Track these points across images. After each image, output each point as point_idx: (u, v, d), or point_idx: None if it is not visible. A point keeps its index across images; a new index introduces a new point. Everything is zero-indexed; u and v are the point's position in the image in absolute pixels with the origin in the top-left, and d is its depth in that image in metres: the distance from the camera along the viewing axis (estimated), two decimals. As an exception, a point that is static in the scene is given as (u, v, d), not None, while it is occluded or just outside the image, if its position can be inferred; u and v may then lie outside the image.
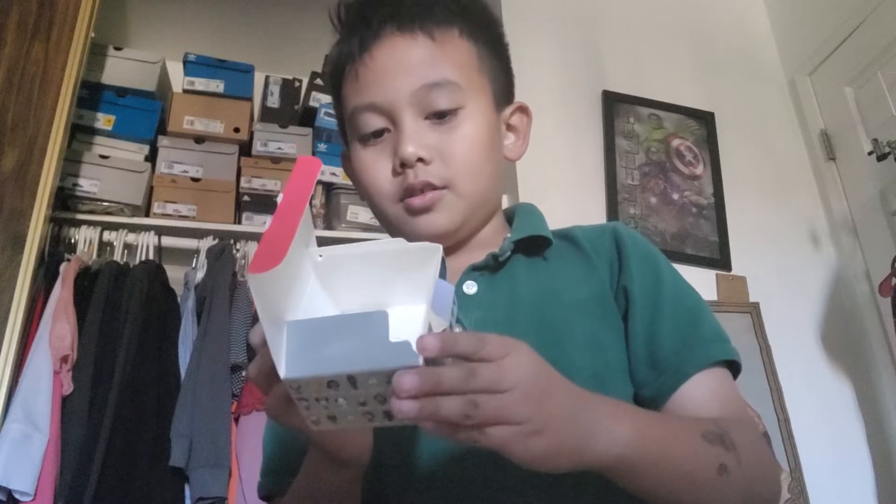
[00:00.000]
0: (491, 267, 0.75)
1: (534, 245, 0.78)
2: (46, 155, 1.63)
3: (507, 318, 0.72)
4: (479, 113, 0.76)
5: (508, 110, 0.82)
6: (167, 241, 2.04)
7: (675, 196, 2.22)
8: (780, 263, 2.20)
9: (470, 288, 0.73)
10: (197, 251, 2.01)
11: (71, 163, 1.99)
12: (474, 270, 0.75)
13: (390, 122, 0.74)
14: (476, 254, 0.77)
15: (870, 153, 2.10)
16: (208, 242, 2.01)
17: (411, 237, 0.70)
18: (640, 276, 0.74)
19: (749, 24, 2.63)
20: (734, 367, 0.72)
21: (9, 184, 1.59)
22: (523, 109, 0.85)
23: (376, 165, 0.75)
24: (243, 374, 1.79)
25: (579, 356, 0.69)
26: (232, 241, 2.04)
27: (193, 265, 1.99)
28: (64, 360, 1.62)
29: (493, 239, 0.80)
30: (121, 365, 1.66)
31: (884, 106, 2.13)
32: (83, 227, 1.96)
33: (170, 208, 2.10)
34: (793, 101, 2.49)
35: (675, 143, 2.31)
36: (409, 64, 0.74)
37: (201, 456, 1.61)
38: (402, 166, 0.72)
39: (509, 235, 0.78)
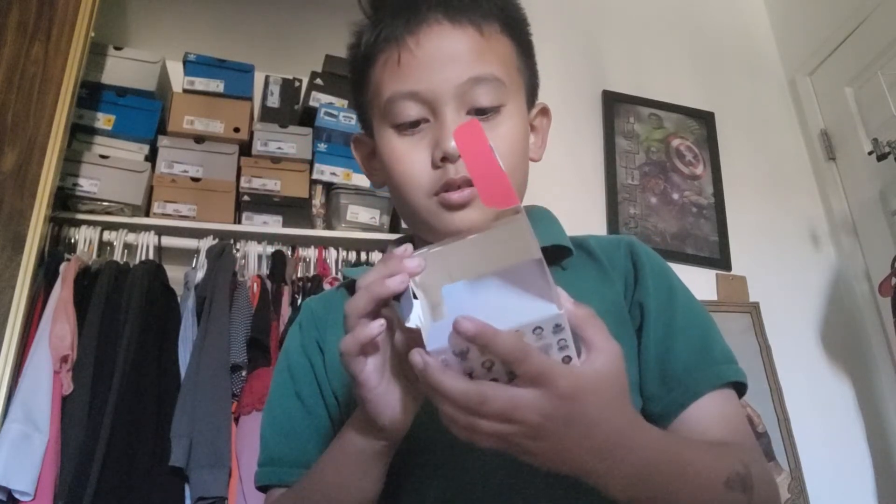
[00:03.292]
0: None
1: (553, 254, 0.76)
2: (46, 155, 1.63)
3: None
4: (518, 112, 0.75)
5: (533, 111, 0.82)
6: (167, 240, 2.04)
7: (676, 196, 2.22)
8: (780, 263, 2.20)
9: None
10: (197, 251, 2.01)
11: (71, 163, 1.98)
12: None
13: (430, 112, 0.71)
14: None
15: (870, 153, 2.10)
16: (208, 242, 2.01)
17: (441, 231, 0.70)
18: (656, 292, 0.75)
19: (749, 24, 2.63)
20: (739, 388, 0.73)
21: (9, 184, 1.59)
22: (545, 111, 0.84)
23: (412, 156, 0.72)
24: (243, 373, 1.79)
25: None
26: (232, 241, 2.04)
27: (193, 265, 1.99)
28: (64, 359, 1.62)
29: None
30: (121, 365, 1.66)
31: (884, 106, 2.13)
32: (83, 227, 1.96)
33: (170, 208, 2.10)
34: (793, 101, 2.49)
35: (675, 142, 2.31)
36: (457, 55, 0.71)
37: (201, 456, 1.61)
38: (443, 160, 0.70)
39: None
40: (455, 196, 0.70)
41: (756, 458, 0.67)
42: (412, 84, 0.71)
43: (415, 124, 0.72)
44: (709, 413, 0.69)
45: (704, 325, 0.75)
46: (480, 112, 0.72)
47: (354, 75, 0.79)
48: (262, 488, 0.77)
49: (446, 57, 0.71)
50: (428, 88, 0.71)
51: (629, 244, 0.80)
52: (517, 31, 0.77)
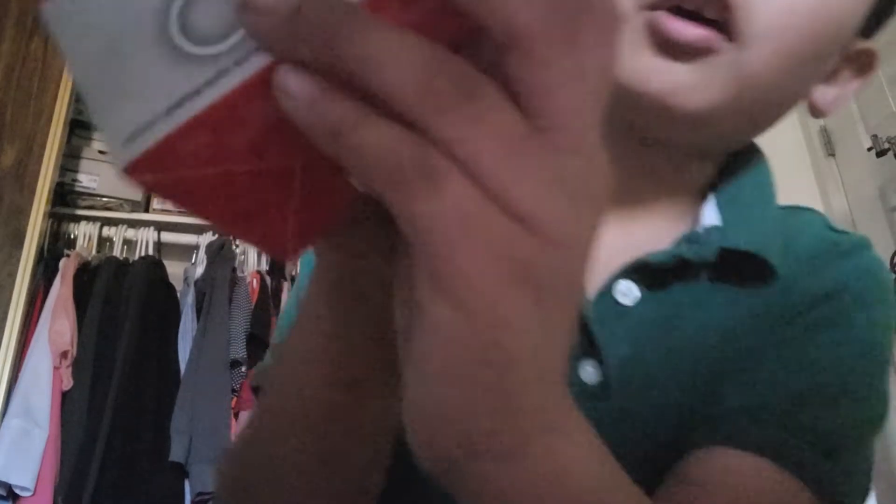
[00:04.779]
0: (671, 270, 0.43)
1: (747, 264, 0.44)
2: (45, 150, 1.63)
3: (667, 358, 0.43)
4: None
5: (853, 48, 0.46)
6: (167, 236, 2.04)
7: (675, 192, 2.22)
8: (779, 260, 2.21)
9: (626, 294, 0.43)
10: (196, 247, 2.01)
11: (70, 158, 1.98)
12: (641, 271, 0.43)
13: None
14: (662, 218, 0.46)
15: (869, 149, 2.10)
16: (208, 238, 2.01)
17: (622, 80, 0.40)
18: (808, 313, 0.45)
19: (749, 19, 2.63)
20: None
21: (8, 180, 1.59)
22: (863, 63, 0.47)
23: None
24: (243, 369, 1.79)
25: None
26: (231, 237, 2.04)
27: (193, 261, 1.99)
28: (63, 355, 1.62)
29: (695, 195, 0.47)
30: (120, 361, 1.67)
31: (883, 102, 2.13)
32: (82, 223, 1.96)
33: (169, 204, 2.10)
34: (792, 97, 2.49)
35: (675, 139, 2.31)
36: None
37: (201, 451, 1.61)
38: None
39: (716, 222, 0.45)
40: (678, 26, 0.39)
41: None
42: None
43: None
44: (730, 473, 0.39)
45: (830, 387, 0.43)
46: None
47: None
48: (256, 389, 0.55)
49: None
50: None
51: (845, 259, 0.47)
52: None
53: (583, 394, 0.39)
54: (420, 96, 0.18)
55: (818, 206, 2.35)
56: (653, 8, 0.39)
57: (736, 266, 0.44)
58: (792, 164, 2.39)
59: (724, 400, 0.42)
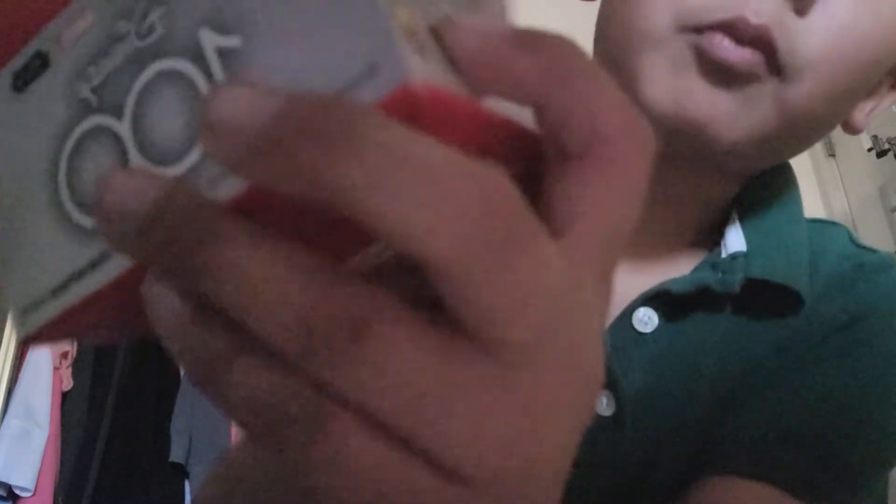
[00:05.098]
0: (691, 299, 0.42)
1: (773, 294, 0.42)
2: (46, 151, 1.64)
3: (684, 388, 0.42)
4: (878, 14, 0.39)
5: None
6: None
7: (675, 193, 2.22)
8: (779, 260, 2.20)
9: (645, 322, 0.42)
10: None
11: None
12: (661, 298, 0.42)
13: None
14: (682, 240, 0.46)
15: (869, 150, 2.10)
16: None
17: (660, 107, 0.39)
18: (830, 350, 0.43)
19: (749, 21, 2.63)
20: None
21: (8, 180, 1.60)
22: None
23: None
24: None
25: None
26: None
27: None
28: (63, 355, 1.62)
29: (716, 214, 0.46)
30: (120, 360, 1.66)
31: (883, 103, 2.14)
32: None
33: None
34: (793, 98, 2.49)
35: (675, 139, 2.31)
36: None
37: (201, 451, 1.61)
38: None
39: (740, 248, 0.43)
40: (724, 45, 0.36)
41: None
42: None
43: None
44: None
45: (855, 415, 0.41)
46: None
47: None
48: None
49: None
50: None
51: (870, 280, 0.45)
52: None
53: (596, 425, 0.35)
54: (297, 336, 0.14)
55: (818, 207, 2.35)
56: (695, 30, 0.37)
57: (761, 295, 0.42)
58: (792, 164, 2.39)
59: (744, 430, 0.40)
